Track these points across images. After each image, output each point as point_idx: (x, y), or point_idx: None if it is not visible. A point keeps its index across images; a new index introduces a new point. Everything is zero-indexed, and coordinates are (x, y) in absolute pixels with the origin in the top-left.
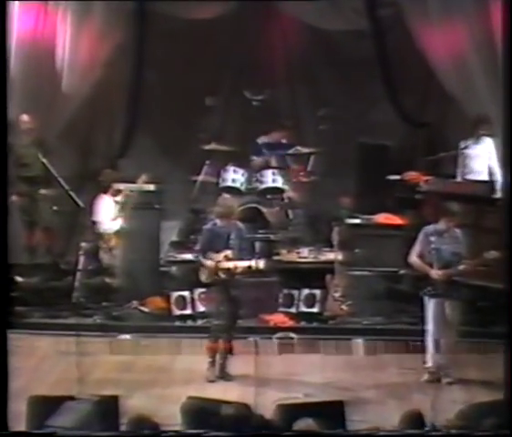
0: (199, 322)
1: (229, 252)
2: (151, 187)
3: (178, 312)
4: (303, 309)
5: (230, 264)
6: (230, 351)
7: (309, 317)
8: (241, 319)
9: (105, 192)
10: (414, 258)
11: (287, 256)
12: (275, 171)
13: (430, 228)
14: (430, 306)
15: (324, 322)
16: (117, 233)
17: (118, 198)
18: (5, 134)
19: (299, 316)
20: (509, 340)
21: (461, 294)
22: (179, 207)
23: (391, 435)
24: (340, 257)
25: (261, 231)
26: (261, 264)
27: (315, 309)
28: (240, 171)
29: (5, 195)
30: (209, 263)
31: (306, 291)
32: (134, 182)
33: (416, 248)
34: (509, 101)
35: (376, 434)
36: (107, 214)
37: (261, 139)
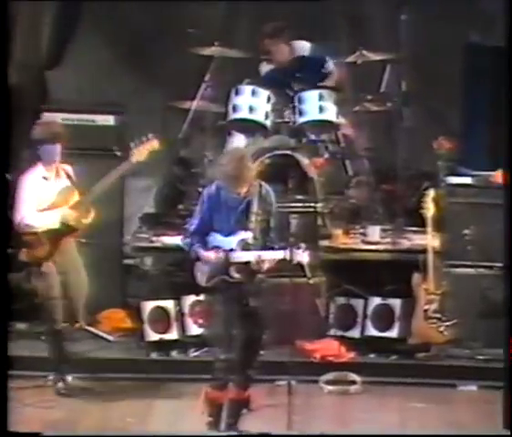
0: (193, 354)
1: (245, 235)
2: (110, 120)
3: (154, 336)
4: (372, 331)
5: (249, 256)
6: (245, 403)
7: (382, 346)
8: (265, 349)
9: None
10: None
11: (344, 240)
12: (324, 93)
13: None
14: None
15: (409, 355)
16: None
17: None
18: (6, 134)
19: (364, 344)
20: (509, 341)
21: None
22: (158, 154)
23: (391, 435)
24: (436, 242)
25: (299, 198)
26: (301, 255)
27: (393, 333)
28: (264, 93)
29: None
30: (210, 254)
31: (377, 301)
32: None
33: None
34: (509, 101)
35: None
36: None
37: (299, 45)
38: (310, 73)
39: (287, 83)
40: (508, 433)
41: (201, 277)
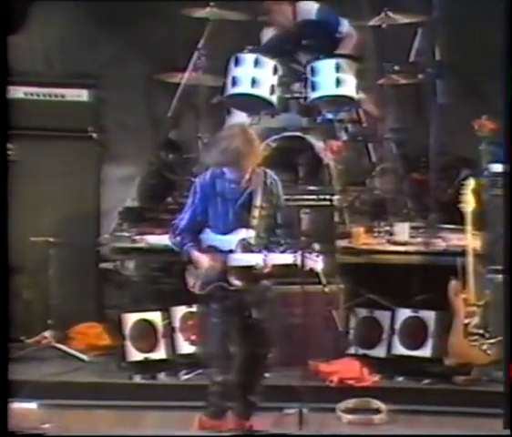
0: (184, 377)
1: (247, 233)
2: (83, 95)
3: (138, 356)
4: (400, 349)
5: (251, 258)
6: (246, 435)
7: (413, 367)
8: (271, 370)
9: None
10: None
11: (366, 240)
12: (342, 63)
13: None
14: None
15: (445, 379)
16: None
17: None
18: (6, 134)
19: (391, 365)
20: (509, 341)
21: None
22: (141, 137)
23: (390, 435)
24: (477, 243)
25: (312, 189)
26: (314, 259)
27: (426, 352)
28: (270, 63)
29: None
30: (204, 256)
31: (406, 313)
32: None
33: None
34: (510, 102)
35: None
36: None
37: (305, 6)
38: (320, 39)
39: (292, 52)
40: (508, 433)
41: (194, 284)
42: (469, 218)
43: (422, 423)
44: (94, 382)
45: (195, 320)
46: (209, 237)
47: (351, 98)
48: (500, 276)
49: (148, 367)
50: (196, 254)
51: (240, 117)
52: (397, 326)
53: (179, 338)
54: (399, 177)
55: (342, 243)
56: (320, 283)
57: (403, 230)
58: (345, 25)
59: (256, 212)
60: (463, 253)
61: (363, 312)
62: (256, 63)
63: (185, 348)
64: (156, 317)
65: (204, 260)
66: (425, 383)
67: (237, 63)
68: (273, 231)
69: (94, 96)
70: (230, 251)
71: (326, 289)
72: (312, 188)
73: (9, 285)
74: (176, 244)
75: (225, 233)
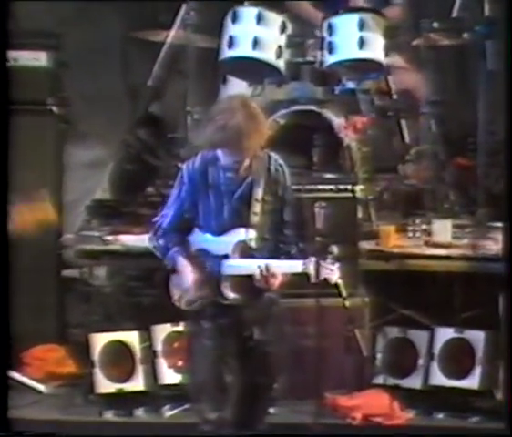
0: (168, 413)
1: (246, 234)
2: (41, 58)
3: (109, 386)
4: (441, 379)
5: (251, 265)
6: None
7: (456, 401)
8: (278, 404)
9: None
10: None
11: (397, 241)
12: (367, 18)
13: None
14: None
15: (497, 416)
16: None
17: None
18: (6, 134)
19: (429, 398)
20: (509, 341)
21: None
22: (114, 111)
23: (391, 434)
24: None
25: (329, 178)
26: (331, 270)
27: (473, 383)
28: (276, 19)
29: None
30: (193, 262)
31: (448, 334)
32: None
33: None
34: (509, 102)
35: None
36: None
37: None
38: None
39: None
40: (508, 433)
41: (180, 296)
42: None
43: None
44: (55, 420)
45: (182, 343)
46: (199, 238)
47: (378, 63)
48: None
49: (122, 401)
50: (182, 263)
51: (238, 87)
52: (437, 350)
53: (162, 364)
54: (439, 162)
55: (367, 245)
56: (339, 295)
57: (444, 229)
58: None
59: (258, 207)
60: None
61: (393, 332)
62: (259, 19)
63: (169, 377)
64: (133, 338)
65: (189, 275)
66: (472, 422)
67: (235, 19)
68: (280, 231)
69: (54, 59)
70: (226, 256)
71: (347, 304)
72: (329, 175)
73: None
74: (158, 249)
75: (219, 234)
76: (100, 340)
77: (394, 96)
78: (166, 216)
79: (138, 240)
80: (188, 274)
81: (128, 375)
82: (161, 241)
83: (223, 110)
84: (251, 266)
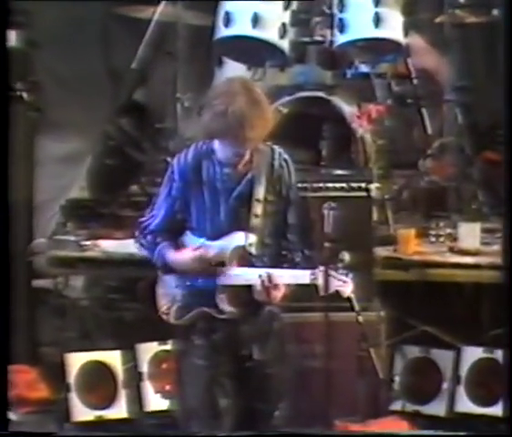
0: None
1: (245, 239)
2: (10, 37)
3: (87, 413)
4: (468, 405)
5: (251, 274)
6: None
7: (486, 429)
8: (280, 432)
9: None
10: None
11: (417, 247)
12: None
13: None
14: None
15: None
16: None
17: None
18: (6, 134)
19: (455, 426)
20: (509, 341)
21: None
22: (93, 98)
23: (391, 434)
24: None
25: (339, 174)
26: (342, 281)
27: (505, 410)
28: None
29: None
30: (188, 251)
31: (476, 354)
32: None
33: None
34: (509, 102)
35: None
36: None
37: None
38: None
39: None
40: (508, 433)
41: (168, 308)
42: None
43: None
44: None
45: (170, 363)
46: (192, 243)
47: (396, 43)
48: None
49: (102, 430)
50: (173, 255)
51: (236, 71)
52: (463, 372)
53: (148, 388)
54: (466, 156)
55: (383, 252)
56: (351, 309)
57: (472, 234)
58: None
59: (259, 208)
60: None
61: (413, 352)
62: None
63: (156, 402)
64: (114, 358)
65: (188, 254)
66: None
67: None
68: (283, 236)
69: (24, 38)
70: (222, 264)
71: (360, 319)
72: (339, 172)
73: None
74: (145, 246)
75: (214, 238)
76: (77, 361)
77: (415, 81)
78: (154, 217)
79: (119, 246)
80: (184, 264)
81: (108, 401)
82: (150, 238)
83: (222, 94)
84: (251, 275)
